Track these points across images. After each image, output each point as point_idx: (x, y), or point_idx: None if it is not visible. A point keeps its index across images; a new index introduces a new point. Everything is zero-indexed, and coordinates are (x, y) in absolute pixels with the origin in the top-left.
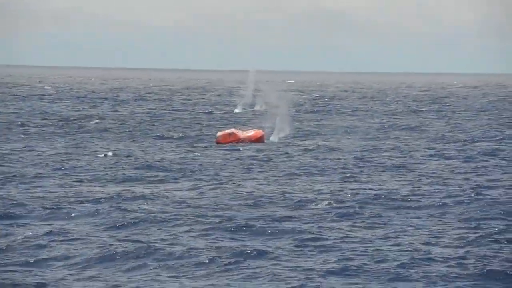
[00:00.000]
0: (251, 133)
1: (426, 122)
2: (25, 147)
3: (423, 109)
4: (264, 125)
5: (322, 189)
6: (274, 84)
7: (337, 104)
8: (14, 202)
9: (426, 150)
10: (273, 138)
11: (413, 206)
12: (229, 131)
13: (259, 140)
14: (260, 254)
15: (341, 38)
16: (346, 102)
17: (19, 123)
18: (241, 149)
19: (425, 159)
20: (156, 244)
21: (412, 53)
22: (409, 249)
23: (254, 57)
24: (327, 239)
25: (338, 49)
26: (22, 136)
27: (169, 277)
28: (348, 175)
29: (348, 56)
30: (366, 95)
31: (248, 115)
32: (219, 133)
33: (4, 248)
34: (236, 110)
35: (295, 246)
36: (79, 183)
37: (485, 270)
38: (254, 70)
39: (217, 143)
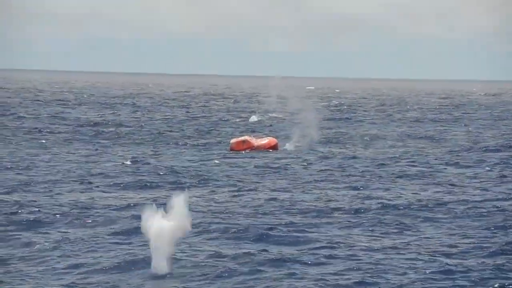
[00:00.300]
0: (265, 141)
1: (447, 131)
2: (44, 153)
3: (444, 117)
4: (281, 132)
5: (337, 198)
6: (296, 91)
7: (356, 111)
8: (33, 209)
9: (446, 159)
10: (289, 146)
11: (432, 215)
12: (242, 138)
13: (273, 148)
14: (278, 262)
15: (357, 44)
16: (364, 110)
17: (38, 129)
18: (255, 156)
19: (444, 168)
20: (175, 252)
21: (430, 60)
22: (427, 258)
23: (269, 63)
24: (343, 247)
25: (354, 55)
26: (42, 141)
27: (185, 285)
28: (364, 183)
29: (364, 62)
30: (385, 102)
31: (265, 122)
32: (233, 140)
33: (22, 255)
34: (254, 117)
35: (312, 254)
36: (97, 190)
37: (504, 281)
38: (279, 76)
39: (231, 150)
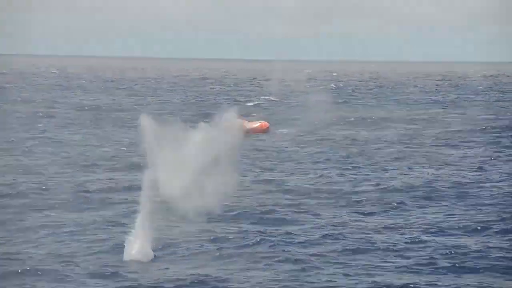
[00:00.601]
0: (257, 124)
1: (446, 113)
2: (40, 137)
3: (444, 99)
4: (279, 116)
5: (333, 180)
6: (295, 74)
7: (355, 94)
8: (28, 191)
9: (442, 140)
10: (284, 130)
11: (426, 195)
12: (235, 121)
13: (265, 131)
14: (284, 242)
15: (351, 25)
16: (363, 92)
17: (41, 113)
18: (250, 139)
19: (440, 149)
20: (175, 236)
21: (426, 41)
22: (424, 238)
23: (264, 46)
24: (339, 228)
25: (351, 37)
26: (45, 125)
27: (183, 267)
28: (359, 165)
29: (361, 45)
30: (383, 84)
31: (262, 105)
32: (225, 123)
33: (18, 238)
34: (252, 102)
35: (309, 234)
36: (94, 174)
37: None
38: (280, 60)
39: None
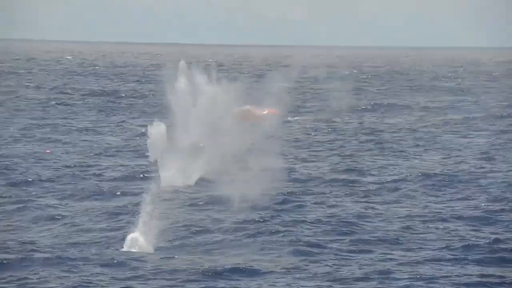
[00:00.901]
0: (265, 111)
1: (460, 100)
2: (45, 122)
3: (458, 86)
4: (291, 103)
5: (335, 168)
6: (311, 60)
7: (369, 81)
8: (32, 177)
9: (452, 128)
10: (297, 117)
11: (431, 183)
12: (244, 108)
13: (274, 118)
14: (297, 229)
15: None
16: (377, 79)
17: (51, 98)
18: (260, 126)
19: (451, 137)
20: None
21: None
22: (444, 231)
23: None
24: (341, 214)
25: (363, 23)
26: (48, 109)
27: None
28: (369, 152)
29: (373, 29)
30: (397, 70)
31: (276, 92)
32: (235, 110)
33: (23, 224)
34: (266, 89)
35: (313, 222)
36: (99, 161)
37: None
38: (297, 46)
39: (233, 119)
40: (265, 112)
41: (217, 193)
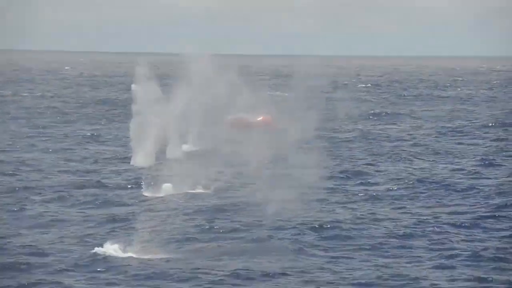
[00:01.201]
0: (260, 118)
1: (460, 108)
2: (41, 131)
3: (458, 94)
4: (289, 112)
5: (335, 171)
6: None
7: (372, 90)
8: (29, 184)
9: (454, 134)
10: (290, 124)
11: (438, 187)
12: (237, 116)
13: (267, 125)
14: (306, 234)
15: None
16: (380, 88)
17: (54, 106)
18: (253, 133)
19: (454, 144)
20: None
21: (438, 36)
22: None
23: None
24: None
25: (364, 32)
26: (43, 119)
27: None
28: (368, 160)
29: (375, 40)
30: (401, 79)
31: (274, 100)
32: (229, 117)
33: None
34: (265, 96)
35: (316, 221)
36: (93, 170)
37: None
38: (299, 56)
39: (226, 127)
40: (259, 119)
41: (212, 200)
